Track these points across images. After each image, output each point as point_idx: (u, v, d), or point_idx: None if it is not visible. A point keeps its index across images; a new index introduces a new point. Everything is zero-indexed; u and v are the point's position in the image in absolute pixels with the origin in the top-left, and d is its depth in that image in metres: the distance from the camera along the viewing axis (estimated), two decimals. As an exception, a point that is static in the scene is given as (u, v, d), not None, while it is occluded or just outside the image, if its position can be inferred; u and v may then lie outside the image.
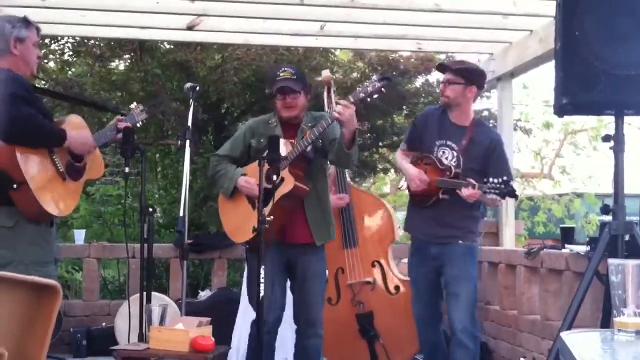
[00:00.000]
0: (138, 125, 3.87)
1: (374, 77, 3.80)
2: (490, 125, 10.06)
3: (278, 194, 3.47)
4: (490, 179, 3.90)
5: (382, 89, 3.68)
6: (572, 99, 3.42)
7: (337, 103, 3.78)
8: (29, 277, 1.48)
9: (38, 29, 3.56)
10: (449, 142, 4.15)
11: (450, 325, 4.13)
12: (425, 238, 4.22)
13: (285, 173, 3.68)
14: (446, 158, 4.14)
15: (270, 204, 3.36)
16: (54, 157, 3.38)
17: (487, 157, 4.14)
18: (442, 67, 4.34)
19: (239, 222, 3.77)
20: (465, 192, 3.91)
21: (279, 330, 3.93)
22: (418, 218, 4.27)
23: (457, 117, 4.21)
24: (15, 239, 3.21)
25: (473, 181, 3.94)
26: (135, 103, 4.03)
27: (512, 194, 3.90)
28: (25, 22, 3.48)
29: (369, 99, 3.73)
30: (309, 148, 3.80)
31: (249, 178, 3.81)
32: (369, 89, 3.68)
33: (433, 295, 4.29)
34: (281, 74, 3.89)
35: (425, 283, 4.25)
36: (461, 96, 4.14)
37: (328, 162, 4.06)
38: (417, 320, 4.35)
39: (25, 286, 1.47)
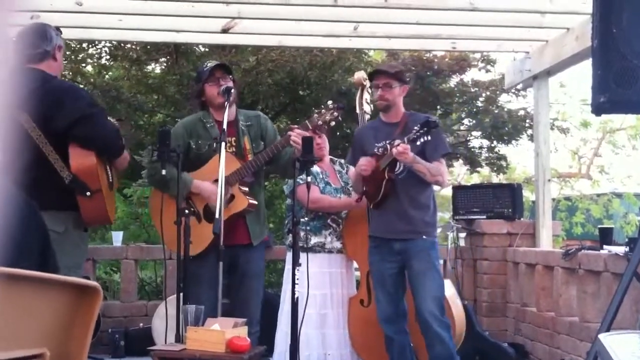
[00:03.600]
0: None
1: (330, 104, 3.93)
2: (526, 125, 10.02)
3: (231, 212, 3.54)
4: (413, 129, 3.96)
5: (339, 117, 3.87)
6: (610, 97, 3.37)
7: (297, 128, 3.89)
8: (71, 278, 1.51)
9: (60, 37, 3.63)
10: (386, 142, 4.18)
11: (420, 317, 4.07)
12: (387, 236, 4.21)
13: (235, 190, 3.73)
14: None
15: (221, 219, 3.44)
16: (107, 166, 3.48)
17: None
18: (377, 73, 4.33)
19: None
20: (396, 150, 3.91)
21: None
22: (376, 217, 4.28)
23: (390, 117, 4.29)
24: (63, 245, 3.26)
25: (399, 140, 3.97)
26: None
27: (432, 123, 3.91)
28: (59, 29, 3.55)
29: (326, 126, 3.88)
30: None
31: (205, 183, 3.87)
32: (326, 116, 3.81)
33: (398, 291, 4.25)
34: None
35: (390, 279, 4.22)
36: (398, 96, 4.27)
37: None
38: (383, 319, 4.27)
39: (67, 287, 1.49)
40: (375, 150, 4.19)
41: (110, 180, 3.48)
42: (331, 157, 4.99)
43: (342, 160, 5.14)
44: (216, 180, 3.87)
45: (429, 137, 3.93)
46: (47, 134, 3.21)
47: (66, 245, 3.25)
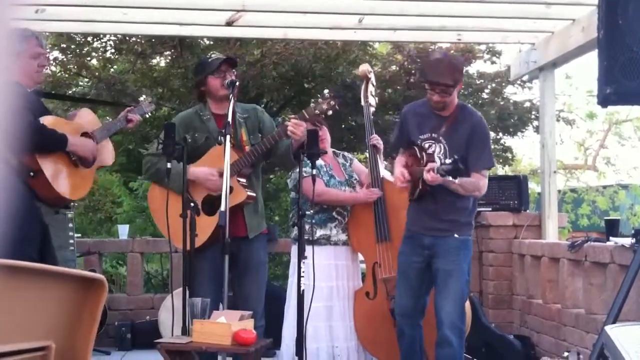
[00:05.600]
0: (147, 116, 4.04)
1: (326, 93, 3.86)
2: (532, 116, 9.99)
3: (230, 204, 3.53)
4: (445, 161, 3.81)
5: (336, 106, 3.77)
6: (616, 88, 3.35)
7: (294, 118, 3.83)
8: (76, 270, 1.51)
9: (38, 38, 3.64)
10: (432, 135, 4.06)
11: (437, 319, 4.01)
12: (419, 230, 4.14)
13: (233, 182, 3.71)
14: (432, 150, 4.06)
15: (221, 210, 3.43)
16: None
17: (468, 143, 4.01)
18: (438, 84, 3.96)
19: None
20: (426, 175, 3.80)
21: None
22: (413, 211, 4.21)
23: (438, 110, 4.08)
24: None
25: (432, 164, 3.83)
26: (144, 96, 4.23)
27: (457, 171, 3.68)
28: (21, 35, 3.51)
29: (323, 115, 3.80)
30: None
31: (208, 169, 3.85)
32: (322, 105, 3.75)
33: (421, 287, 4.15)
34: None
35: (415, 273, 4.12)
36: (455, 96, 4.05)
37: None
38: (399, 312, 4.19)
39: (72, 280, 1.50)
40: (416, 148, 4.04)
41: (73, 158, 3.60)
42: (334, 150, 4.96)
43: (346, 153, 5.12)
44: None
45: (456, 180, 3.74)
46: None
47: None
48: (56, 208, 3.62)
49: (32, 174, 3.42)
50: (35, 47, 3.60)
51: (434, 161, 3.93)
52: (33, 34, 3.62)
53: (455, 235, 4.05)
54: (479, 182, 4.01)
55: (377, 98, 4.98)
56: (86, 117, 3.85)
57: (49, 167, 3.49)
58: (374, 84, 5.00)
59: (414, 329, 4.20)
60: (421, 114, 4.14)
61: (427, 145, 4.06)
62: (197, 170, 3.84)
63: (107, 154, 3.92)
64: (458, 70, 4.02)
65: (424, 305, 4.21)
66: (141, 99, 4.11)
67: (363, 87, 4.93)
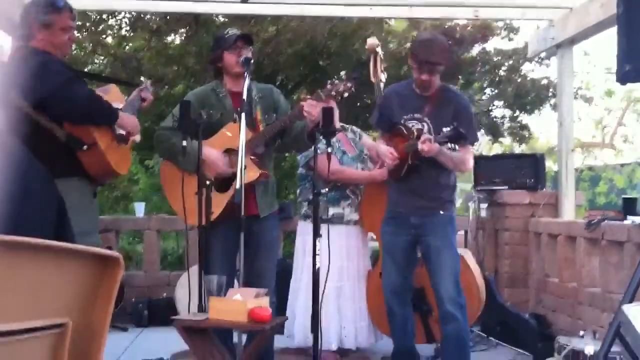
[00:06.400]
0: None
1: (343, 75, 3.83)
2: (550, 94, 9.90)
3: (243, 182, 3.51)
4: (443, 129, 3.86)
5: (352, 88, 3.71)
6: (635, 65, 3.30)
7: (310, 99, 3.77)
8: (92, 248, 1.52)
9: (71, 10, 3.53)
10: (415, 115, 4.10)
11: (436, 295, 4.07)
12: (404, 210, 4.17)
13: (247, 160, 3.70)
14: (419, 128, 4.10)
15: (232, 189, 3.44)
16: None
17: (455, 119, 3.99)
18: (431, 63, 4.00)
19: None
20: (421, 146, 3.84)
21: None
22: (396, 192, 4.24)
23: (423, 90, 4.14)
24: (72, 212, 3.30)
25: (427, 135, 3.90)
26: (143, 78, 4.18)
27: (459, 136, 3.82)
28: (53, 6, 3.43)
29: (339, 97, 3.75)
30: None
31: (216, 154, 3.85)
32: (339, 87, 3.70)
33: (408, 265, 4.23)
34: None
35: (402, 252, 4.19)
36: (438, 76, 4.11)
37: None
38: (390, 290, 4.24)
39: (88, 257, 1.50)
40: (401, 127, 4.11)
41: (118, 133, 3.51)
42: (342, 124, 4.86)
43: (354, 127, 5.07)
44: (226, 151, 3.87)
45: (456, 147, 3.88)
46: (32, 103, 3.25)
47: (75, 212, 3.26)
48: (99, 184, 3.57)
49: (85, 147, 3.34)
50: (68, 20, 3.48)
51: (413, 134, 3.99)
52: (67, 5, 3.51)
53: (441, 212, 4.11)
54: (466, 155, 4.11)
55: (385, 73, 4.91)
56: (115, 94, 3.74)
57: (103, 140, 3.41)
58: (382, 58, 4.93)
59: (404, 307, 4.28)
60: (403, 95, 4.22)
61: (410, 125, 4.10)
62: (207, 151, 3.83)
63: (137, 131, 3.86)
64: (448, 51, 4.14)
65: (410, 284, 4.30)
66: (142, 79, 4.05)
67: (372, 62, 4.83)
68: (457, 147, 3.91)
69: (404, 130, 4.09)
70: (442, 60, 4.02)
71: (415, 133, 3.99)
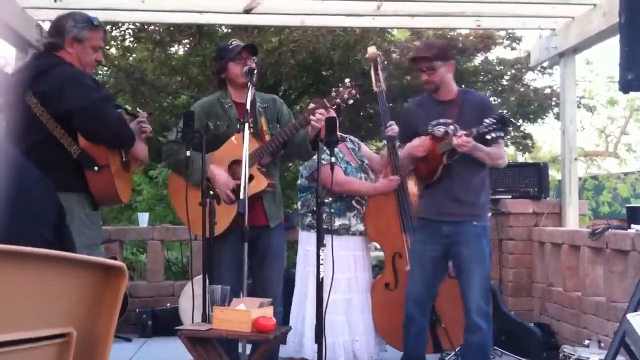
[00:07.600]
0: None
1: (347, 82, 3.83)
2: (552, 103, 9.89)
3: (250, 192, 3.52)
4: (484, 121, 3.83)
5: (357, 95, 3.76)
6: (638, 74, 3.31)
7: (315, 107, 3.78)
8: (95, 257, 1.52)
9: (105, 32, 3.55)
10: (441, 120, 4.10)
11: (465, 304, 4.05)
12: (436, 218, 4.13)
13: (254, 171, 3.71)
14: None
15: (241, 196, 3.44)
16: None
17: (483, 118, 3.97)
18: (417, 60, 4.18)
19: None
20: (457, 140, 3.83)
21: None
22: (429, 198, 4.21)
23: (443, 95, 4.18)
24: (73, 225, 3.27)
25: (463, 132, 3.88)
26: (139, 109, 4.15)
27: (504, 121, 3.81)
28: (90, 22, 3.45)
29: (344, 105, 3.77)
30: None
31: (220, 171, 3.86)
32: (344, 95, 3.72)
33: (435, 276, 4.21)
34: None
35: (431, 262, 4.15)
36: (445, 74, 4.14)
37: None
38: (413, 299, 4.21)
39: (92, 267, 1.51)
40: (430, 129, 4.10)
41: (124, 159, 3.48)
42: (341, 134, 4.88)
43: (352, 137, 5.06)
44: (233, 163, 3.88)
45: (502, 134, 3.85)
46: (51, 113, 3.23)
47: (76, 226, 3.24)
48: (100, 206, 3.48)
49: (96, 168, 3.28)
50: (100, 40, 3.50)
51: (448, 134, 3.98)
52: (102, 26, 3.53)
53: (474, 223, 4.07)
54: (500, 150, 4.09)
55: (385, 82, 4.91)
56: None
57: (114, 164, 3.36)
58: (384, 67, 4.93)
59: (424, 316, 4.26)
60: (425, 105, 4.26)
61: (438, 133, 4.09)
62: (215, 171, 3.85)
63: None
64: (436, 47, 4.20)
65: (435, 294, 4.28)
66: (138, 110, 4.02)
67: (372, 72, 4.83)
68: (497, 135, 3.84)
69: (434, 132, 4.08)
70: (428, 54, 4.08)
71: (450, 133, 3.97)
